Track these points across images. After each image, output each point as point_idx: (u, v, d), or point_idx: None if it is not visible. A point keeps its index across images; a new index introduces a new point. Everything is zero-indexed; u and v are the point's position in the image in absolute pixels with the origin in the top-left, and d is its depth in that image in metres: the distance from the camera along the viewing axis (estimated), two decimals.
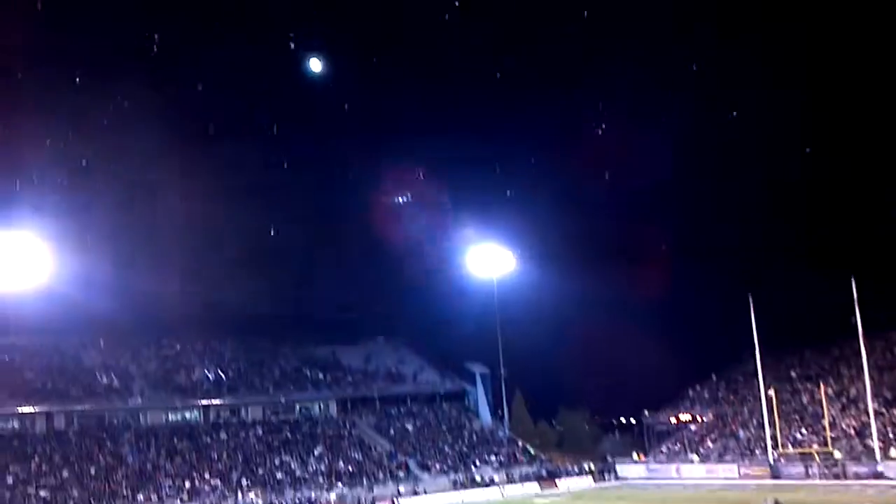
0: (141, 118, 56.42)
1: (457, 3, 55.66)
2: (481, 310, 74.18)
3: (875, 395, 59.47)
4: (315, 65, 59.56)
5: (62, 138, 56.83)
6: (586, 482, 66.14)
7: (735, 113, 62.96)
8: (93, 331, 71.97)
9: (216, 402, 68.94)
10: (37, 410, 62.09)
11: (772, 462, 60.01)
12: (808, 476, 57.05)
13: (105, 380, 67.72)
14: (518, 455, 70.24)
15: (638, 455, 72.16)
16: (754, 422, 66.07)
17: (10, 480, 53.88)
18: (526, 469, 67.45)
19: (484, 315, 74.16)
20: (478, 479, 64.07)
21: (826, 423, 59.09)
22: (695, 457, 66.16)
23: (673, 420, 75.48)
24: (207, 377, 71.52)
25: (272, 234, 73.82)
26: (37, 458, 56.96)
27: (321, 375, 76.13)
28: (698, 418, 73.39)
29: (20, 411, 61.56)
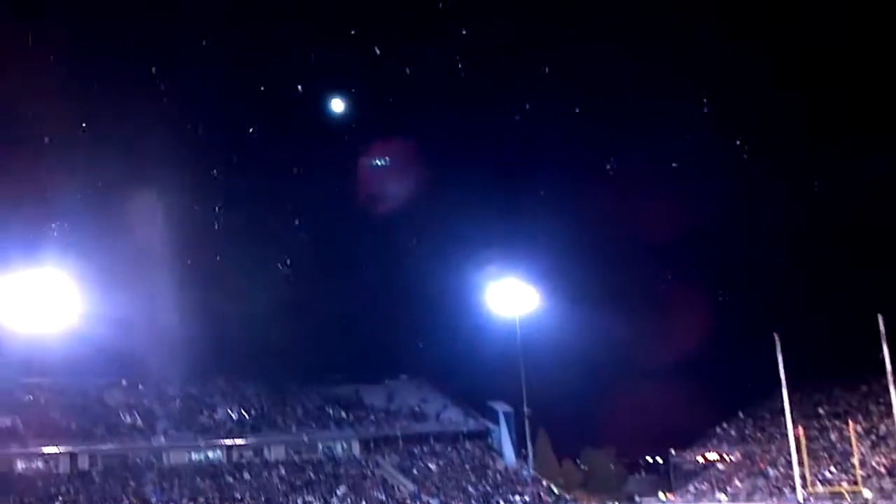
0: (169, 159, 57.25)
1: (464, 32, 56.11)
2: (504, 347, 73.64)
3: None
4: (336, 105, 60.36)
5: (90, 177, 57.68)
6: None
7: (757, 150, 62.96)
8: (116, 370, 72.33)
9: (239, 441, 68.89)
10: (61, 450, 62.29)
11: (801, 501, 58.96)
12: None
13: (129, 419, 67.95)
14: (543, 495, 69.41)
15: (665, 495, 71.27)
16: (783, 460, 65.17)
17: None
18: None
19: (507, 352, 73.62)
20: None
21: (856, 461, 58.17)
22: (723, 496, 65.23)
23: (700, 459, 74.65)
24: (230, 416, 71.57)
25: (294, 273, 74.19)
26: (61, 499, 57.00)
27: (344, 414, 75.84)
28: (726, 457, 72.56)
29: (44, 451, 61.82)
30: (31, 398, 67.74)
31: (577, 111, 65.13)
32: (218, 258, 68.33)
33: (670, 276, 73.70)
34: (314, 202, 72.06)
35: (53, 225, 59.35)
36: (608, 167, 67.93)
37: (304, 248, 73.62)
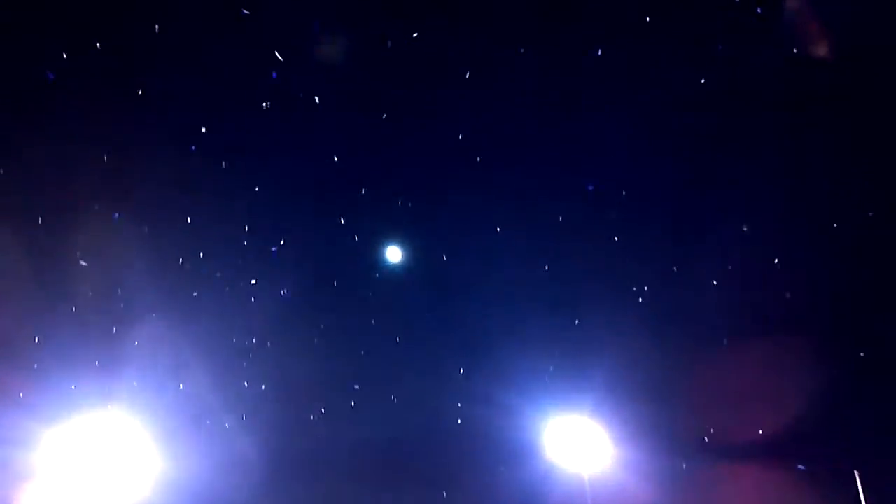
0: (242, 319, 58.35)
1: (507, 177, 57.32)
2: (573, 499, 71.90)
3: None
4: (392, 254, 61.80)
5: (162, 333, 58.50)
6: None
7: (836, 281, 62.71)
8: None
9: None
10: None
11: None
12: None
13: None
14: None
15: None
16: None
17: None
18: None
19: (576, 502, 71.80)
20: None
21: None
22: None
23: None
24: None
25: (344, 420, 73.78)
26: None
27: None
28: None
29: None
30: None
31: (645, 229, 65.59)
32: (289, 425, 68.35)
33: (751, 422, 71.95)
34: (366, 343, 72.34)
35: (122, 377, 59.74)
36: (682, 298, 67.73)
37: (355, 396, 73.36)
